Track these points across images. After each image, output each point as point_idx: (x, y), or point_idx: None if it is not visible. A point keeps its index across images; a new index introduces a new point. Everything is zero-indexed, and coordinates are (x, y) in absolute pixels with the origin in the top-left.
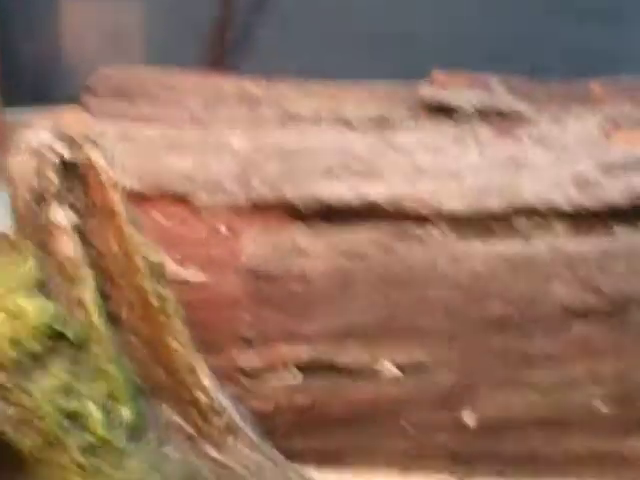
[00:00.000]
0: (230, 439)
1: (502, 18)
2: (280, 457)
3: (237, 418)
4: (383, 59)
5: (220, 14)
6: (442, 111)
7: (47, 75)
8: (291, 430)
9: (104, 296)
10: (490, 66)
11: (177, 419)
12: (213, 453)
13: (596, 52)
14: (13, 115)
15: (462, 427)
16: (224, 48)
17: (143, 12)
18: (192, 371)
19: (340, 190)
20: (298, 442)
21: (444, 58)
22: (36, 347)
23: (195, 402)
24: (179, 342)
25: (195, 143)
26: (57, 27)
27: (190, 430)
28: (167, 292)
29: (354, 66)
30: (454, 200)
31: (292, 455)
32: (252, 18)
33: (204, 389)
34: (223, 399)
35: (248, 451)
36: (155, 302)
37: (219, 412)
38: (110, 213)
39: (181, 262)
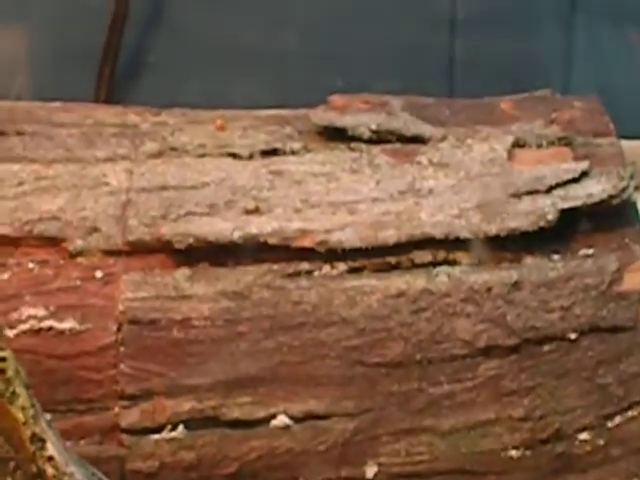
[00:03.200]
0: None
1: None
2: None
3: None
4: (284, 83)
5: (108, 41)
6: (337, 137)
7: None
8: None
9: None
10: (403, 84)
11: None
12: None
13: (512, 65)
14: None
15: None
16: (112, 77)
17: (25, 40)
18: (37, 441)
19: (223, 227)
20: None
21: (351, 78)
22: None
23: (42, 475)
24: (20, 409)
25: (69, 182)
26: None
27: None
28: (6, 353)
29: (253, 91)
30: (347, 233)
31: None
32: (143, 44)
33: (51, 460)
34: (77, 471)
35: None
36: None
37: None
38: None
39: (54, 312)
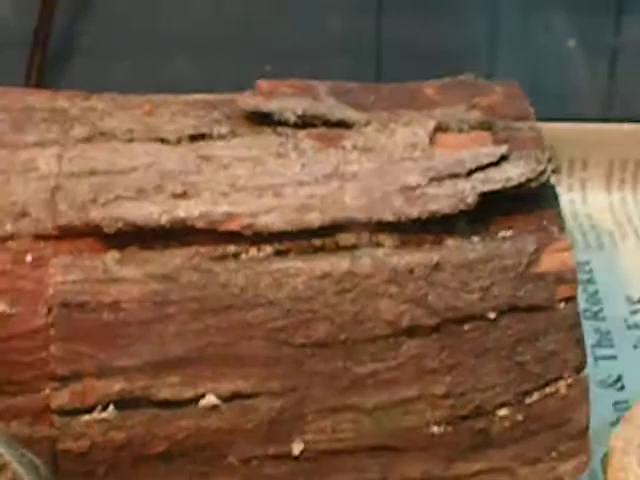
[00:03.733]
0: None
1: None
2: None
3: (23, 472)
4: (221, 65)
5: (38, 25)
6: (263, 122)
7: None
8: (109, 469)
9: None
10: (331, 70)
11: None
12: None
13: (438, 50)
14: None
15: (290, 458)
16: (43, 62)
17: None
18: None
19: (152, 211)
20: None
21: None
22: None
23: None
24: None
25: None
26: None
27: None
28: None
29: (184, 75)
30: (273, 216)
31: None
32: (74, 29)
33: None
34: (6, 452)
35: None
36: None
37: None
38: None
39: None
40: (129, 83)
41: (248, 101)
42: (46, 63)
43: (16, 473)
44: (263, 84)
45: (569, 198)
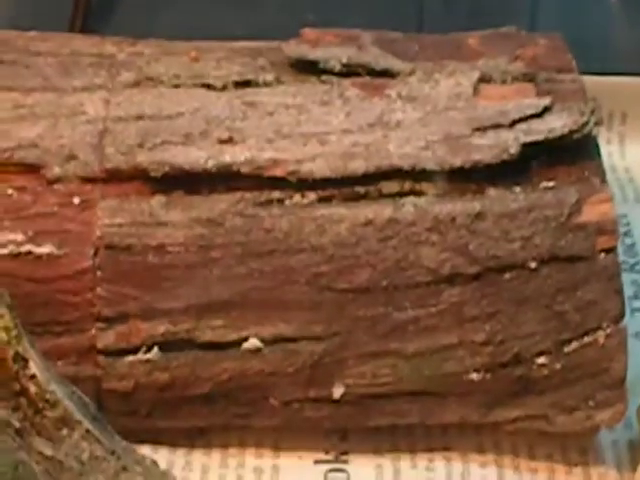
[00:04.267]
0: (64, 431)
1: None
2: (121, 446)
3: (73, 409)
4: (258, 17)
5: None
6: (308, 70)
7: None
8: (152, 409)
9: None
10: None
11: (4, 413)
12: (43, 447)
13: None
14: None
15: (331, 402)
16: (88, 7)
17: None
18: (20, 360)
19: (198, 156)
20: (161, 422)
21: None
22: None
23: (25, 393)
24: (3, 330)
25: (47, 110)
26: None
27: (19, 424)
28: None
29: (227, 23)
30: (318, 163)
31: (156, 436)
32: None
33: (33, 379)
34: (58, 389)
35: (84, 443)
36: None
37: (52, 403)
38: None
39: (32, 237)
40: (175, 30)
41: (294, 49)
42: (90, 9)
43: (67, 410)
44: (308, 32)
45: (607, 151)
